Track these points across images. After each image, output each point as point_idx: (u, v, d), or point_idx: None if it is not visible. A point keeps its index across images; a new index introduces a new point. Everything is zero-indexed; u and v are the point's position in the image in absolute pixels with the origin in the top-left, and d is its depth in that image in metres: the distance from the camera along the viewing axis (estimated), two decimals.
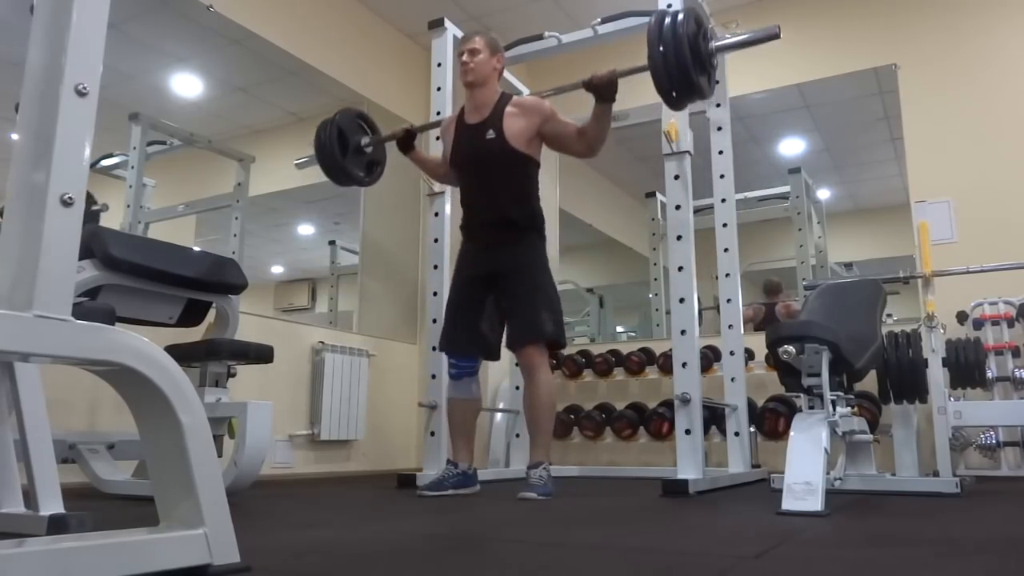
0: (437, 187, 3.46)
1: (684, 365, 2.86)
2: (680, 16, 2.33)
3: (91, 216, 3.14)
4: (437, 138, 3.30)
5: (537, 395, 2.78)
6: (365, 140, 3.22)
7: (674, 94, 2.38)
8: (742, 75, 4.37)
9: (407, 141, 3.17)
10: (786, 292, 4.69)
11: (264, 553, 1.37)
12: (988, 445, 3.56)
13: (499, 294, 2.88)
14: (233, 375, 2.85)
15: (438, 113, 3.55)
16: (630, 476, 3.96)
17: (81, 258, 2.44)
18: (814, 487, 2.06)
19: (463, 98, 3.01)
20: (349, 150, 3.17)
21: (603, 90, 2.63)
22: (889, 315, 3.79)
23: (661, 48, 2.32)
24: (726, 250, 3.63)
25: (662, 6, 2.99)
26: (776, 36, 2.41)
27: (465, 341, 2.89)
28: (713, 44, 2.43)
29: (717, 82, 2.73)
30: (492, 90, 2.94)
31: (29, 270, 0.94)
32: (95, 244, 2.50)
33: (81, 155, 1.00)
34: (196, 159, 4.03)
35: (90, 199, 3.29)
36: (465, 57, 2.91)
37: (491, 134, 2.85)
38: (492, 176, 2.88)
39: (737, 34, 2.69)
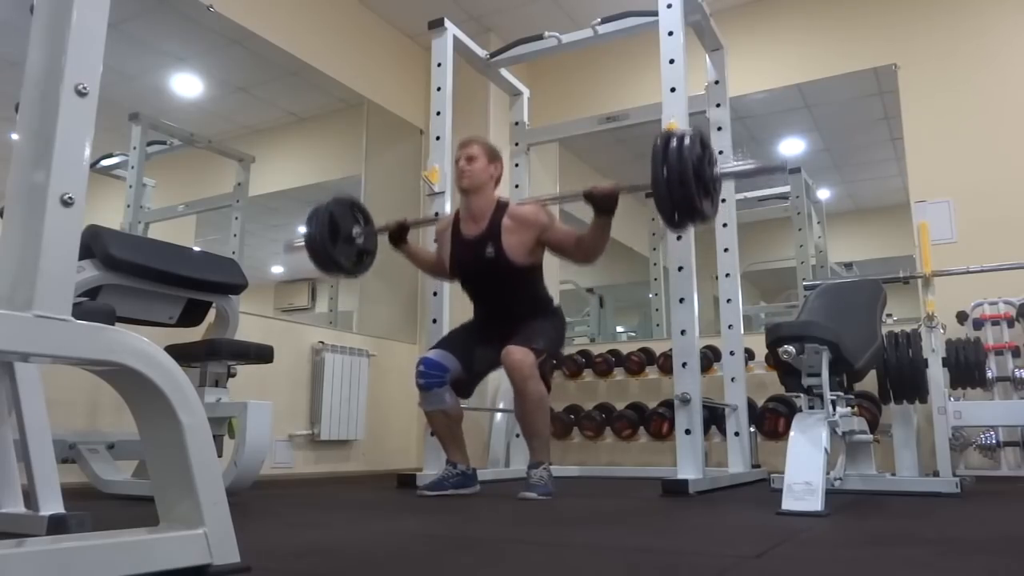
0: (437, 187, 3.45)
1: (684, 365, 2.86)
2: (686, 139, 2.29)
3: None
4: (435, 240, 3.22)
5: (527, 407, 2.70)
6: (357, 230, 3.12)
7: (676, 216, 2.36)
8: (742, 75, 4.36)
9: (400, 235, 3.14)
10: (786, 294, 4.70)
11: (264, 553, 1.37)
12: (988, 445, 3.55)
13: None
14: (233, 375, 2.86)
15: (438, 113, 3.55)
16: (630, 476, 3.96)
17: (81, 258, 2.45)
18: (814, 487, 2.06)
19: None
20: (339, 239, 3.05)
21: (603, 203, 2.59)
22: (889, 315, 3.79)
23: (665, 171, 2.29)
24: (726, 250, 3.63)
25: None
26: (783, 170, 2.41)
27: (455, 351, 2.88)
28: (717, 170, 2.41)
29: (723, 200, 2.70)
30: (488, 198, 2.92)
31: (29, 270, 0.94)
32: (95, 244, 2.51)
33: (81, 155, 1.00)
34: (196, 159, 4.03)
35: None
36: (462, 163, 2.90)
37: (490, 251, 2.82)
38: (495, 286, 2.89)
39: (744, 160, 2.68)
